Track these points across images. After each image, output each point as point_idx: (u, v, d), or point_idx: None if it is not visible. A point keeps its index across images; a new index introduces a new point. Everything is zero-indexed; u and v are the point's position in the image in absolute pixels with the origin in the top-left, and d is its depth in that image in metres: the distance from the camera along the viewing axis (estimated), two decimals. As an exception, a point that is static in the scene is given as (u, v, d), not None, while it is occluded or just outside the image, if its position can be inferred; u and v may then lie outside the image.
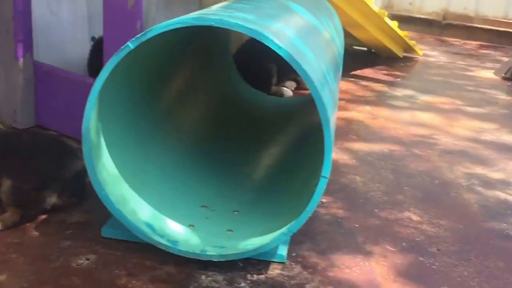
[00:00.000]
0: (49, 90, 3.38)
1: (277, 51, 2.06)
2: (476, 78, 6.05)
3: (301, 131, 3.45)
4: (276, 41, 2.06)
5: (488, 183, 3.28)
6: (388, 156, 3.57)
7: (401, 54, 6.57)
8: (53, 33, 3.96)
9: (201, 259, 2.24)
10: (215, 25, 2.10)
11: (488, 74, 6.26)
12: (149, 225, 2.32)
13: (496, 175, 3.42)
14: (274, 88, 4.56)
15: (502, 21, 8.38)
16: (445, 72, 6.22)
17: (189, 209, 2.57)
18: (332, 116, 2.27)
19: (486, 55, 7.18)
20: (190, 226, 2.41)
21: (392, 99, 4.98)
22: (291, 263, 2.33)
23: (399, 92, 5.24)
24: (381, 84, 5.45)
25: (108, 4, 2.91)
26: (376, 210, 2.84)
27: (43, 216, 2.52)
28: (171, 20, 2.13)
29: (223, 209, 2.61)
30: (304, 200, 2.21)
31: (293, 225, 2.17)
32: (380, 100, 4.94)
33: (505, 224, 2.79)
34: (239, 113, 3.71)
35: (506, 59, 7.03)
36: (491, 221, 2.82)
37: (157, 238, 2.27)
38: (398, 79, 5.73)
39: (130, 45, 2.11)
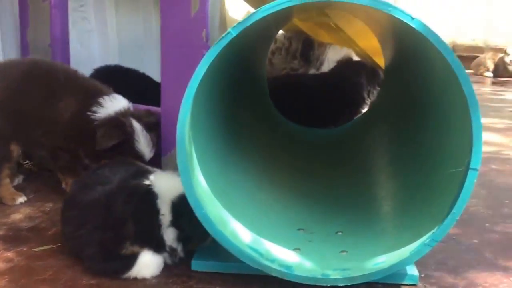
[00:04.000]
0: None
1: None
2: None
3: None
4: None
5: None
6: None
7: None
8: (85, 65, 3.63)
9: (323, 285, 1.85)
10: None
11: (520, 97, 6.04)
12: (254, 249, 1.93)
13: None
14: None
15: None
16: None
17: (286, 232, 2.19)
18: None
19: (509, 82, 6.96)
20: (296, 249, 2.03)
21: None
22: (425, 285, 1.95)
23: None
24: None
25: (167, 15, 2.58)
26: (487, 224, 2.49)
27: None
28: (275, 2, 1.81)
29: (323, 232, 2.22)
30: (437, 203, 1.86)
31: (437, 233, 1.78)
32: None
33: None
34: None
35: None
36: None
37: (267, 263, 1.88)
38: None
39: (232, 32, 1.78)
